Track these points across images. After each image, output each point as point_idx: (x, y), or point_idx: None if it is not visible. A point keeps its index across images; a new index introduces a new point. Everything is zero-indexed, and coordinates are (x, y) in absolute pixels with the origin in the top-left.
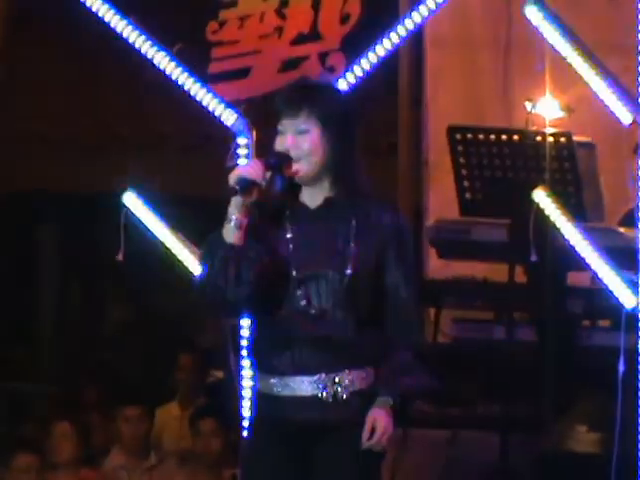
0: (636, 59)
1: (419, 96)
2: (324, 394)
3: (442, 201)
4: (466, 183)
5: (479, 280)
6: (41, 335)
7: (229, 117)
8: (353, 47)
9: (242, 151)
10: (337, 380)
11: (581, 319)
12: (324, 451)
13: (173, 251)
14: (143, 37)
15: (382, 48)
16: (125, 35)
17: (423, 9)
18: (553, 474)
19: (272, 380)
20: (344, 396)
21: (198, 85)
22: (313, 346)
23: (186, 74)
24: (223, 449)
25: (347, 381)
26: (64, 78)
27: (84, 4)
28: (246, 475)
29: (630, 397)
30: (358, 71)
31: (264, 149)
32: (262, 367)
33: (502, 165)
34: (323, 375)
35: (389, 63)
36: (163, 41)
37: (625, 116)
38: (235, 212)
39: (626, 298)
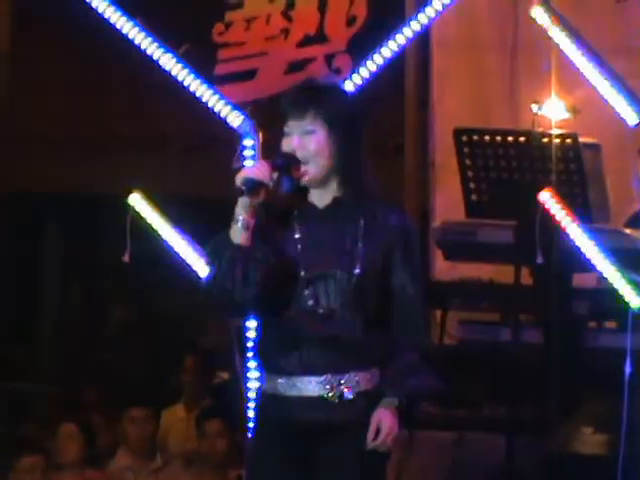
0: None
1: (425, 97)
2: (330, 395)
3: (448, 203)
4: (472, 185)
5: (485, 282)
6: (41, 335)
7: (235, 119)
8: (359, 49)
9: (248, 152)
10: (343, 381)
11: (587, 320)
12: (328, 451)
13: (179, 252)
14: (150, 39)
15: (388, 50)
16: (131, 37)
17: (429, 10)
18: (559, 476)
19: (279, 380)
20: (350, 397)
21: (204, 87)
22: (321, 346)
23: (192, 76)
24: (229, 450)
25: (353, 382)
26: (64, 78)
27: (90, 5)
28: (250, 476)
29: (636, 399)
30: (364, 73)
31: (270, 150)
32: (269, 367)
33: (508, 167)
34: (330, 376)
35: (395, 64)
36: (169, 43)
37: (631, 117)
38: (242, 213)
39: (632, 299)
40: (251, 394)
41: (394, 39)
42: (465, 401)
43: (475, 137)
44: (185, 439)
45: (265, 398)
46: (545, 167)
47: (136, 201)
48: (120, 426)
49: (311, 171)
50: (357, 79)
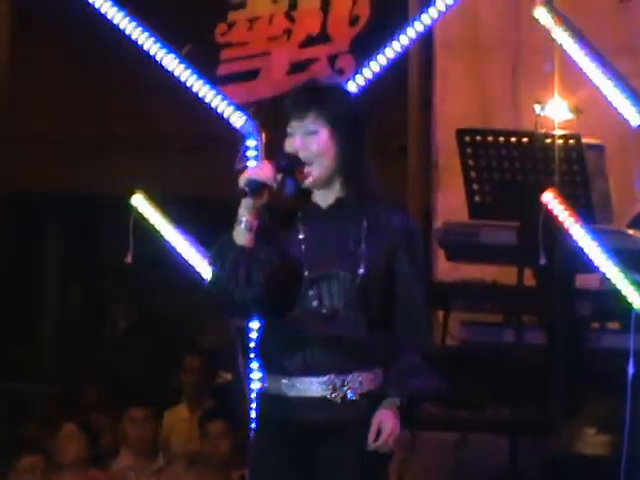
0: None
1: (429, 98)
2: (333, 395)
3: (451, 203)
4: (475, 186)
5: (488, 283)
6: (41, 335)
7: (238, 119)
8: (362, 49)
9: (251, 153)
10: (346, 381)
11: (590, 321)
12: (329, 452)
13: (181, 253)
14: (152, 39)
15: (391, 50)
16: (134, 37)
17: (432, 11)
18: (562, 477)
19: (282, 381)
20: (353, 397)
21: (207, 87)
22: (324, 346)
23: (195, 76)
24: (232, 451)
25: (357, 382)
26: (64, 78)
27: (92, 5)
28: (252, 476)
29: (639, 399)
30: (367, 73)
31: (273, 151)
32: (271, 368)
33: (511, 167)
34: (333, 376)
35: (399, 65)
36: (172, 43)
37: (634, 118)
38: (245, 214)
39: (635, 300)
40: (254, 394)
41: (397, 40)
42: (468, 402)
43: (478, 138)
44: (188, 439)
45: (268, 398)
46: (548, 168)
47: (139, 201)
48: (120, 426)
49: (314, 172)
50: (360, 80)
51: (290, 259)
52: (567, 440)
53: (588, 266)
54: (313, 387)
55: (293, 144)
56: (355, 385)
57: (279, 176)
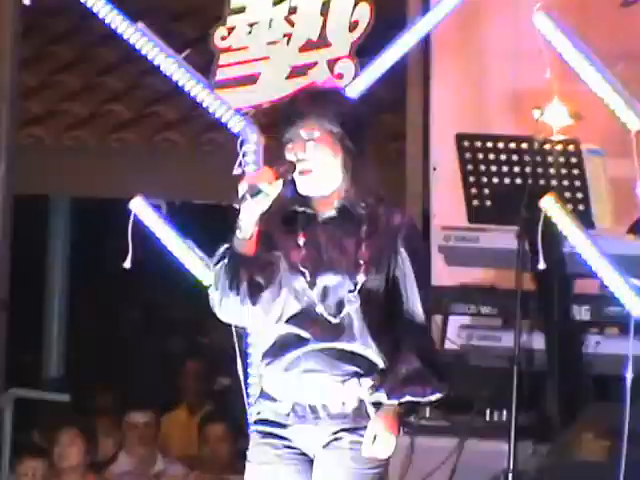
0: None
1: (427, 103)
2: (332, 401)
3: (450, 208)
4: (474, 190)
5: (486, 287)
6: (49, 340)
7: (237, 124)
8: (362, 54)
9: (250, 158)
10: (346, 387)
11: (589, 326)
12: (325, 457)
13: (180, 258)
14: (151, 43)
15: (390, 55)
16: (132, 41)
17: (431, 16)
18: None
19: (280, 387)
20: (352, 404)
21: (206, 91)
22: (323, 352)
23: (194, 80)
24: (230, 455)
25: (356, 389)
26: (69, 81)
27: (91, 10)
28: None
29: (638, 405)
30: (367, 78)
31: (272, 156)
32: (269, 373)
33: (510, 172)
34: (332, 382)
35: (397, 69)
36: (171, 47)
37: (633, 123)
38: (246, 220)
39: (634, 305)
40: (252, 400)
41: (397, 44)
42: (467, 407)
43: (477, 143)
44: (186, 443)
45: (266, 404)
46: (547, 173)
47: (138, 205)
48: (121, 431)
49: (315, 178)
50: (360, 85)
51: (291, 264)
52: (565, 446)
53: (587, 271)
54: (312, 393)
55: (294, 151)
56: (354, 391)
57: (279, 182)
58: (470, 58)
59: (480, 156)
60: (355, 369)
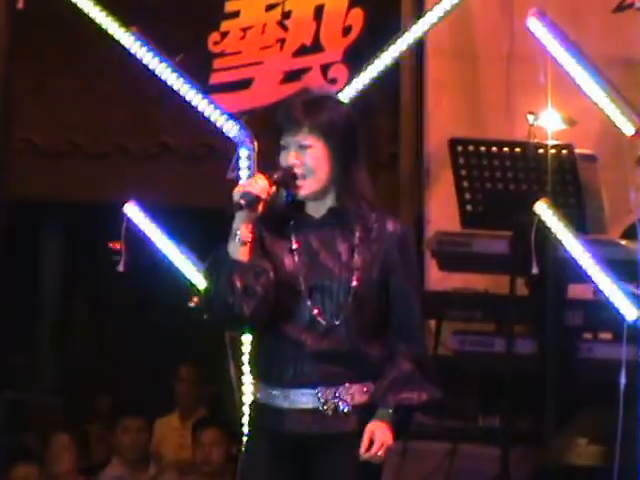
0: None
1: (420, 107)
2: (325, 407)
3: (443, 213)
4: (467, 195)
5: (480, 292)
6: (41, 344)
7: (231, 128)
8: (355, 59)
9: (244, 163)
10: (338, 393)
11: (582, 331)
12: (321, 463)
13: (174, 262)
14: (145, 48)
15: (384, 60)
16: (127, 46)
17: (425, 21)
18: None
19: (274, 392)
20: (345, 409)
21: (200, 96)
22: (316, 357)
23: (188, 85)
24: (224, 460)
25: (348, 394)
26: (67, 87)
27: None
28: None
29: (631, 410)
30: (360, 82)
31: (266, 161)
32: (263, 378)
33: (504, 177)
34: (324, 388)
35: (391, 74)
36: (165, 52)
37: (627, 128)
38: (240, 227)
39: (627, 310)
40: (246, 405)
41: (390, 49)
42: (460, 412)
43: (471, 147)
44: (179, 448)
45: (260, 409)
46: (541, 178)
47: (131, 210)
48: (113, 436)
49: (308, 185)
50: (353, 89)
51: (284, 270)
52: (559, 451)
53: (580, 276)
54: (304, 399)
55: (287, 158)
56: (347, 397)
57: (273, 189)
58: (464, 62)
59: (474, 161)
60: (349, 373)
